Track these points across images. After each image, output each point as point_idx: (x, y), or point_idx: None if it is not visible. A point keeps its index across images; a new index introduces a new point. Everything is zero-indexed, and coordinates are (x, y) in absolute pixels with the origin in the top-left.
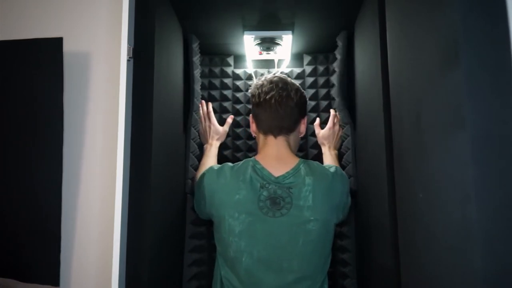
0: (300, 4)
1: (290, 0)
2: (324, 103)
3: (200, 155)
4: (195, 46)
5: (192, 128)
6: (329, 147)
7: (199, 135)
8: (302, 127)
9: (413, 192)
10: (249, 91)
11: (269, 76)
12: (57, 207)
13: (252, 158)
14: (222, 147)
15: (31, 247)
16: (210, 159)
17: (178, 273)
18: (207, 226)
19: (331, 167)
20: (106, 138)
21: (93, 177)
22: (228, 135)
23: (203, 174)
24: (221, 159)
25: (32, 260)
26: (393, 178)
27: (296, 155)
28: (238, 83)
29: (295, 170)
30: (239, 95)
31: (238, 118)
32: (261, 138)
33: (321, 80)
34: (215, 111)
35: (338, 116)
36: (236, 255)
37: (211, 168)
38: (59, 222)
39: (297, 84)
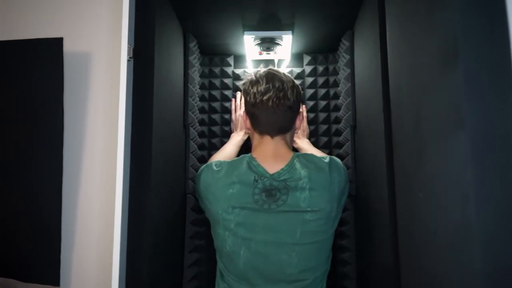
0: (300, 4)
1: (290, 0)
2: (323, 103)
3: (200, 155)
4: (192, 45)
5: (191, 128)
6: (302, 138)
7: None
8: (298, 123)
9: (413, 192)
10: (242, 86)
11: (262, 71)
12: (58, 207)
13: (248, 154)
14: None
15: (31, 247)
16: (230, 147)
17: (178, 273)
18: (207, 226)
19: (325, 157)
20: (106, 138)
21: (93, 176)
22: (228, 135)
23: (201, 170)
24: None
25: (33, 260)
26: (393, 178)
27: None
28: (238, 83)
29: (289, 166)
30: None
31: None
32: (256, 136)
33: (321, 80)
34: (215, 111)
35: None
36: (234, 249)
37: (209, 164)
38: (59, 222)
39: (291, 77)
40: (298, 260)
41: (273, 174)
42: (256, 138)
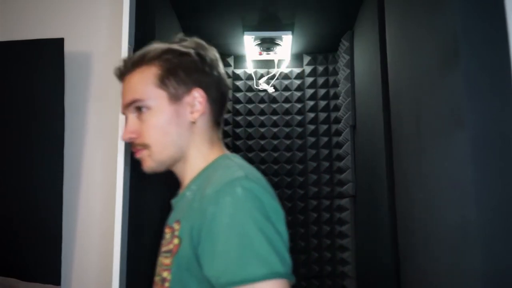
0: (300, 5)
1: (290, 1)
2: (323, 103)
3: None
4: None
5: None
6: None
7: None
8: None
9: (412, 192)
10: (206, 56)
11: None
12: (58, 207)
13: (232, 154)
14: None
15: (32, 247)
16: None
17: None
18: None
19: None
20: (107, 138)
21: (93, 176)
22: (228, 135)
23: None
24: None
25: (34, 260)
26: (392, 178)
27: None
28: (238, 83)
29: None
30: (239, 95)
31: (238, 118)
32: (208, 130)
33: (321, 80)
34: None
35: None
36: None
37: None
38: (60, 222)
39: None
40: None
41: None
42: (208, 132)
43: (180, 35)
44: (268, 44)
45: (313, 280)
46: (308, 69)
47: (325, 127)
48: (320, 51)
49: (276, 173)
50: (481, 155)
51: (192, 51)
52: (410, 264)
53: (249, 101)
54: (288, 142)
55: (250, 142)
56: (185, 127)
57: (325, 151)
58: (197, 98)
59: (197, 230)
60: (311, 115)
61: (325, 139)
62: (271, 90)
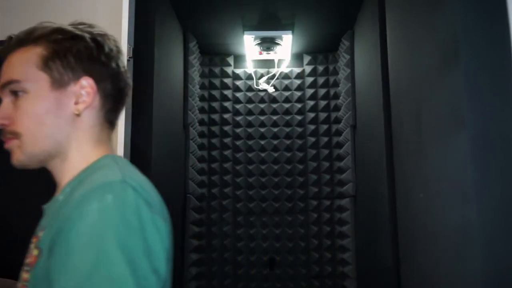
0: (300, 4)
1: (290, 1)
2: (323, 103)
3: (200, 155)
4: (192, 45)
5: (191, 128)
6: None
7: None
8: None
9: (413, 192)
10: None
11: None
12: None
13: (118, 156)
14: (222, 147)
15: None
16: None
17: (178, 273)
18: (208, 226)
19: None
20: None
21: None
22: (228, 135)
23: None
24: (221, 159)
25: None
26: (393, 178)
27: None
28: (238, 83)
29: None
30: (239, 94)
31: (238, 118)
32: (95, 127)
33: (321, 80)
34: (215, 111)
35: None
36: None
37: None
38: None
39: None
40: None
41: None
42: (97, 128)
43: (80, 21)
44: (268, 43)
45: (313, 281)
46: (308, 69)
47: (325, 127)
48: (321, 51)
49: (276, 173)
50: (481, 155)
51: (87, 36)
52: (410, 264)
53: (249, 101)
54: (288, 142)
55: (250, 142)
56: (67, 119)
57: (326, 151)
58: (85, 88)
59: (55, 238)
60: (311, 115)
61: (326, 139)
62: (271, 90)
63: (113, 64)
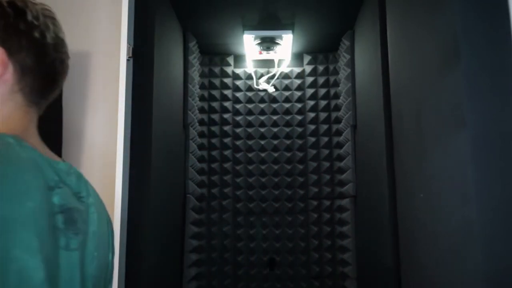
0: (300, 4)
1: (290, 0)
2: (323, 103)
3: (200, 155)
4: (192, 45)
5: (191, 128)
6: None
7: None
8: None
9: (413, 192)
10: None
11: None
12: None
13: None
14: (222, 147)
15: None
16: None
17: (178, 273)
18: (208, 226)
19: None
20: (105, 138)
21: (92, 177)
22: (228, 135)
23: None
24: (221, 159)
25: None
26: (393, 178)
27: None
28: (238, 82)
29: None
30: (239, 94)
31: (238, 118)
32: (6, 102)
33: (321, 80)
34: (215, 111)
35: None
36: None
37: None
38: None
39: None
40: None
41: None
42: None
43: None
44: (268, 43)
45: (313, 281)
46: (308, 69)
47: (325, 127)
48: (321, 51)
49: (276, 173)
50: (482, 154)
51: (4, 0)
52: (410, 264)
53: (249, 100)
54: (288, 142)
55: (250, 142)
56: None
57: (326, 151)
58: None
59: None
60: (312, 114)
61: (326, 139)
62: (271, 89)
63: (36, 34)
